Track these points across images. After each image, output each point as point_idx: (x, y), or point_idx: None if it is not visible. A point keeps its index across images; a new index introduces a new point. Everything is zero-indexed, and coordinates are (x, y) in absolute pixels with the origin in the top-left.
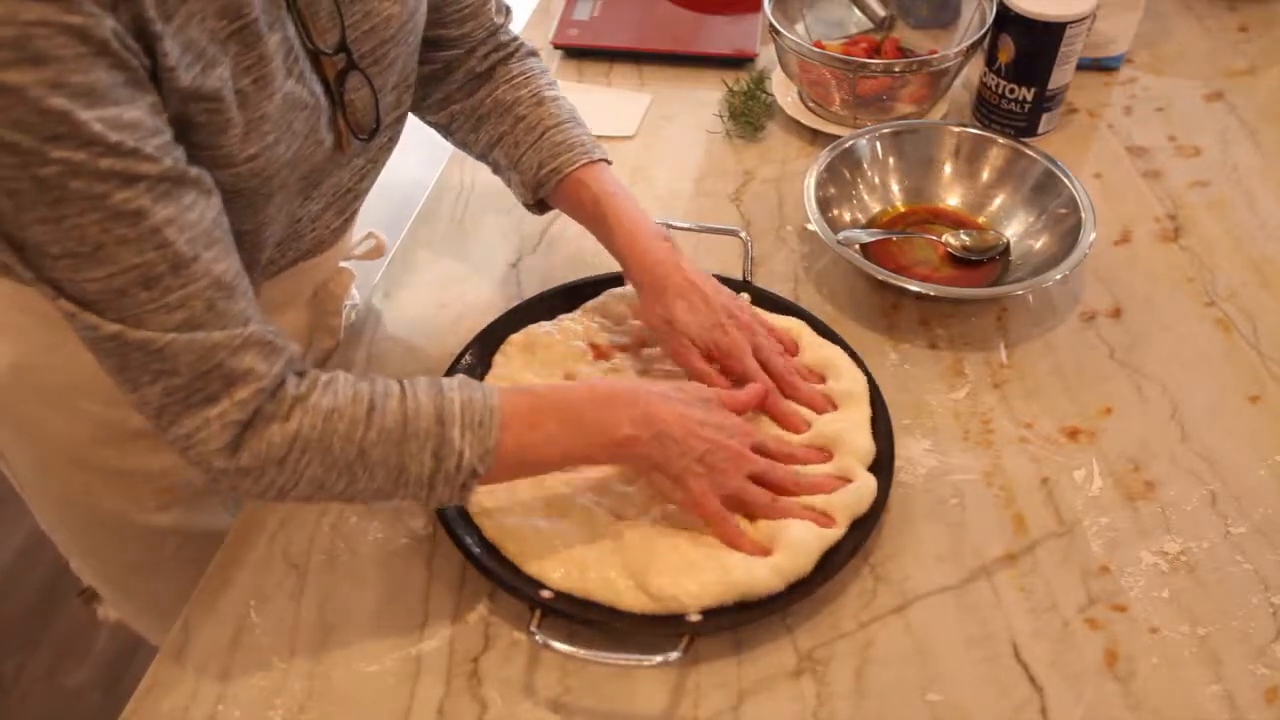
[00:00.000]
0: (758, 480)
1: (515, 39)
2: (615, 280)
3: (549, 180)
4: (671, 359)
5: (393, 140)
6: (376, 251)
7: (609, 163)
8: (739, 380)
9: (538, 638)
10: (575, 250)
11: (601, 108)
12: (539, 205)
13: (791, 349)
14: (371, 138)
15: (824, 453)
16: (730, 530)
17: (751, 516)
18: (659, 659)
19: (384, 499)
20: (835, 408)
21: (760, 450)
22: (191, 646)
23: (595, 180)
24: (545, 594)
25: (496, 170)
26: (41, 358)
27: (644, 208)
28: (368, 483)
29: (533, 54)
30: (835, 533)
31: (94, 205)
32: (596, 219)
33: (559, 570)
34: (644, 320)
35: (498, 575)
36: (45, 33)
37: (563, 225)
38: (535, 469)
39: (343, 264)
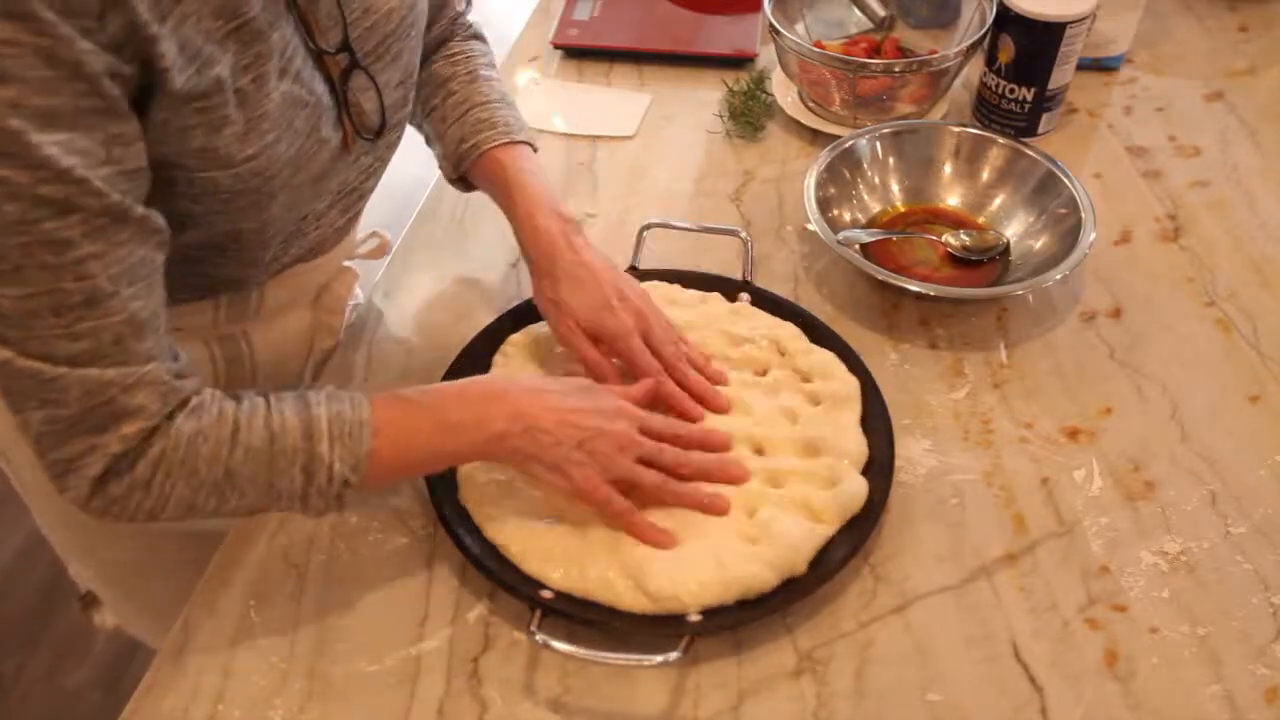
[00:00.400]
0: (648, 463)
1: (464, 21)
2: None
3: (468, 156)
4: (559, 342)
5: (399, 138)
6: (380, 251)
7: (534, 148)
8: (629, 365)
9: (538, 638)
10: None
11: (601, 108)
12: (462, 182)
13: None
14: (379, 137)
15: (723, 435)
16: (622, 512)
17: (649, 502)
18: (659, 659)
19: (259, 512)
20: (721, 408)
21: (649, 433)
22: (191, 646)
23: (511, 160)
24: (545, 594)
25: (428, 143)
26: None
27: (639, 206)
28: (239, 500)
29: (477, 36)
30: (825, 530)
31: (23, 229)
32: (503, 197)
33: (559, 570)
34: (535, 301)
35: (498, 575)
36: (14, 53)
37: None
38: (415, 470)
39: (346, 263)
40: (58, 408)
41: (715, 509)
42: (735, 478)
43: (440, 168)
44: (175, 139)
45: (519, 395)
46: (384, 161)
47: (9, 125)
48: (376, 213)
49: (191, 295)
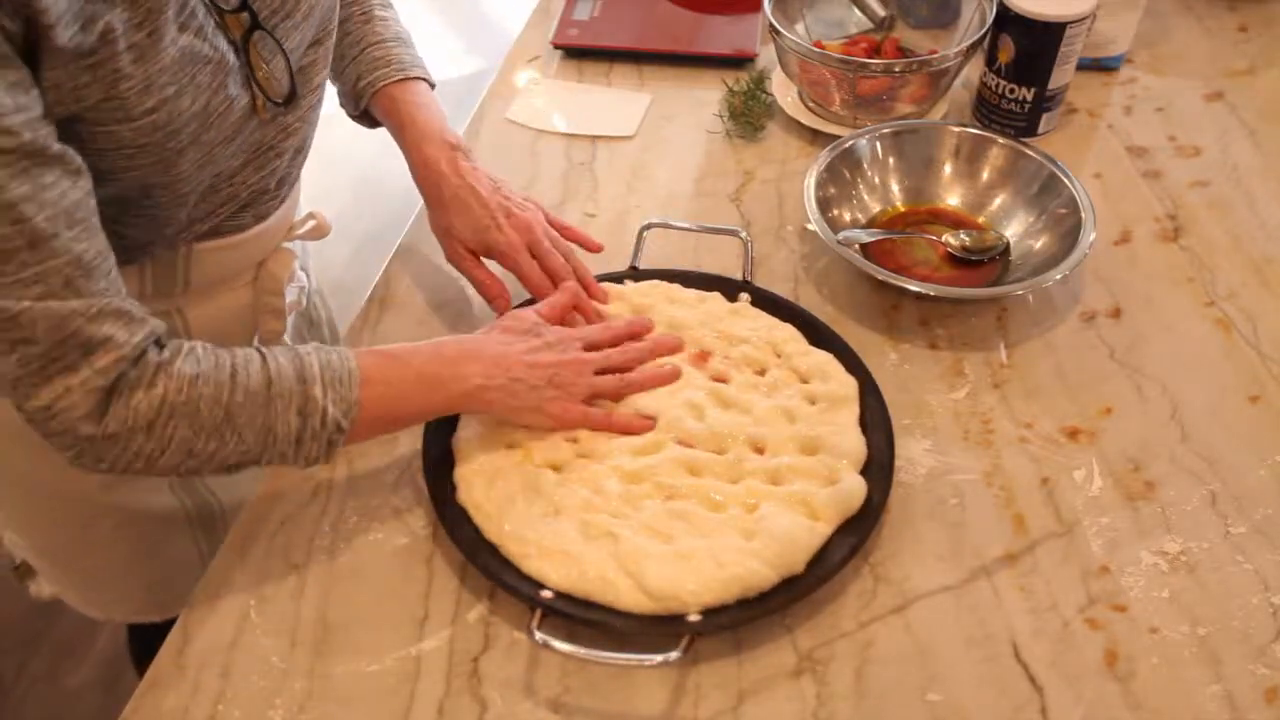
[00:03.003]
0: (602, 372)
1: None
2: (615, 280)
3: (365, 93)
4: (453, 266)
5: (320, 98)
6: (317, 231)
7: (431, 84)
8: (519, 279)
9: (538, 638)
10: (575, 249)
11: (601, 108)
12: (366, 118)
13: (592, 245)
14: (288, 102)
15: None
16: (603, 420)
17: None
18: (659, 659)
19: (252, 462)
20: (604, 300)
21: (589, 346)
22: (191, 646)
23: (403, 95)
24: (545, 594)
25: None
26: None
27: (639, 206)
28: (237, 444)
29: None
30: (824, 528)
31: None
32: (396, 133)
33: (559, 570)
34: (433, 231)
35: (498, 575)
36: None
37: None
38: (398, 423)
39: (285, 245)
40: (28, 345)
41: (669, 377)
42: (671, 347)
43: (341, 105)
44: (71, 96)
45: (491, 351)
46: (307, 121)
47: None
48: (375, 214)
49: None
